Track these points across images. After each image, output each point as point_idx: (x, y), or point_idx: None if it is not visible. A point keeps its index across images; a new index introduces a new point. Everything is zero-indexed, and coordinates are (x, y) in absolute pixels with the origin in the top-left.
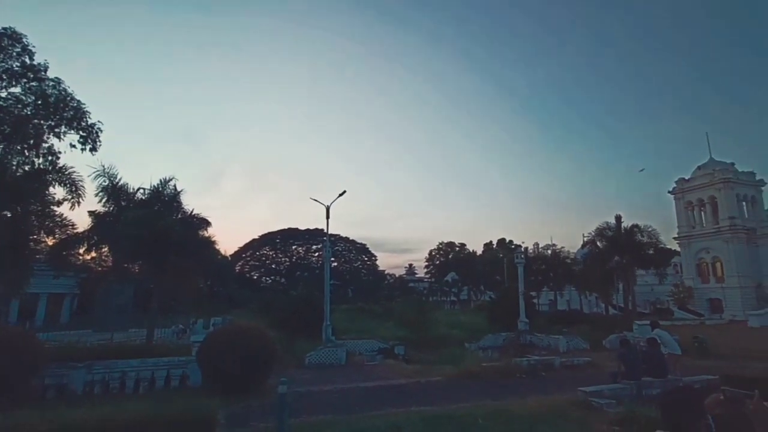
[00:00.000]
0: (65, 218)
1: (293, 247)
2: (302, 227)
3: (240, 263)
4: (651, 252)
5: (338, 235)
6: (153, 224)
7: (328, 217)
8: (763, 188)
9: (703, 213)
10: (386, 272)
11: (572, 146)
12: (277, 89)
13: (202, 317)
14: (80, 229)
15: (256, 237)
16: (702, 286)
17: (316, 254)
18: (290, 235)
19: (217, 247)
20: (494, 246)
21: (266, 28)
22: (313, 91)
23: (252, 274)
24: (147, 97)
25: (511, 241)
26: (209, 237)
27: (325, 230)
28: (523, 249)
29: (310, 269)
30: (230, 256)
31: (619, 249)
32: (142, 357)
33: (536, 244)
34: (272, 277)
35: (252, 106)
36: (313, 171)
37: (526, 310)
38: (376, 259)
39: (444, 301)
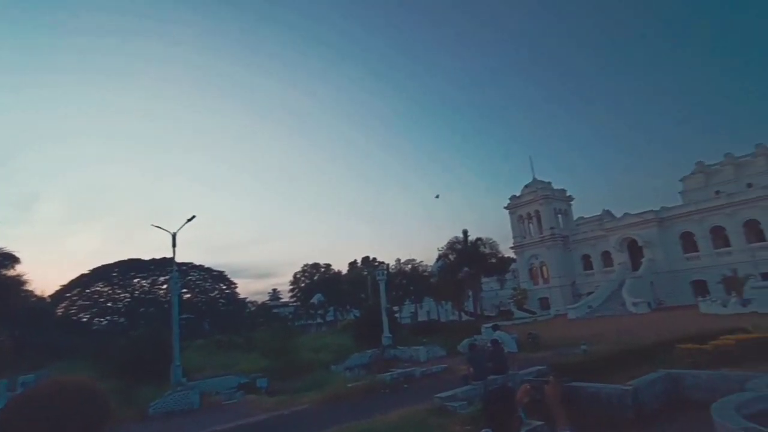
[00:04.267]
0: None
1: (135, 280)
2: (147, 257)
3: (65, 304)
4: (493, 261)
5: (191, 263)
6: None
7: (174, 245)
8: (572, 203)
9: (531, 224)
10: (248, 300)
11: (430, 162)
12: (108, 96)
13: (6, 377)
14: None
15: (86, 272)
16: (534, 288)
17: (165, 286)
18: (131, 266)
19: (30, 287)
20: (359, 264)
21: (96, 26)
22: (154, 100)
23: (81, 315)
24: None
25: (374, 259)
26: (17, 276)
27: (173, 259)
28: (385, 266)
29: (158, 304)
30: (50, 297)
31: (467, 260)
32: None
33: (398, 260)
34: (108, 317)
35: (75, 115)
36: (157, 194)
37: (390, 324)
38: (235, 287)
39: (311, 324)
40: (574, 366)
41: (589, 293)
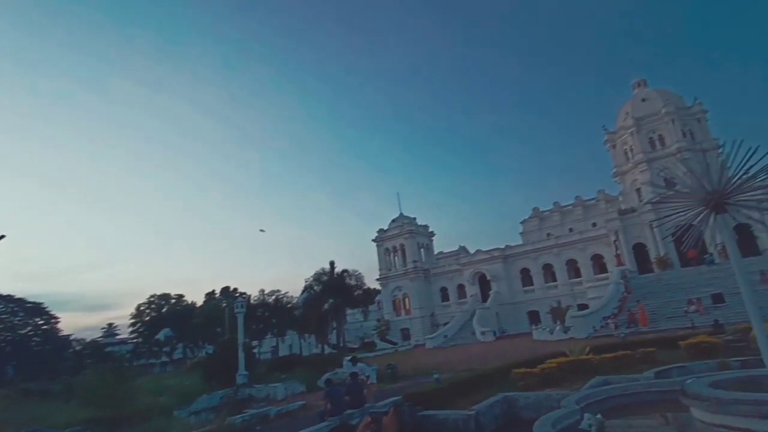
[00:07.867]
0: None
1: None
2: None
3: None
4: (359, 293)
5: None
6: None
7: None
8: (434, 238)
9: (396, 257)
10: (73, 337)
11: (306, 194)
12: None
13: None
14: None
15: None
16: (397, 319)
17: None
18: None
19: None
20: (217, 295)
21: None
22: None
23: None
24: None
25: (235, 289)
26: None
27: None
28: (246, 297)
29: None
30: None
31: (332, 292)
32: None
33: (262, 291)
34: None
35: None
36: None
37: (247, 360)
38: (57, 322)
39: (154, 363)
40: (426, 395)
41: (446, 323)
